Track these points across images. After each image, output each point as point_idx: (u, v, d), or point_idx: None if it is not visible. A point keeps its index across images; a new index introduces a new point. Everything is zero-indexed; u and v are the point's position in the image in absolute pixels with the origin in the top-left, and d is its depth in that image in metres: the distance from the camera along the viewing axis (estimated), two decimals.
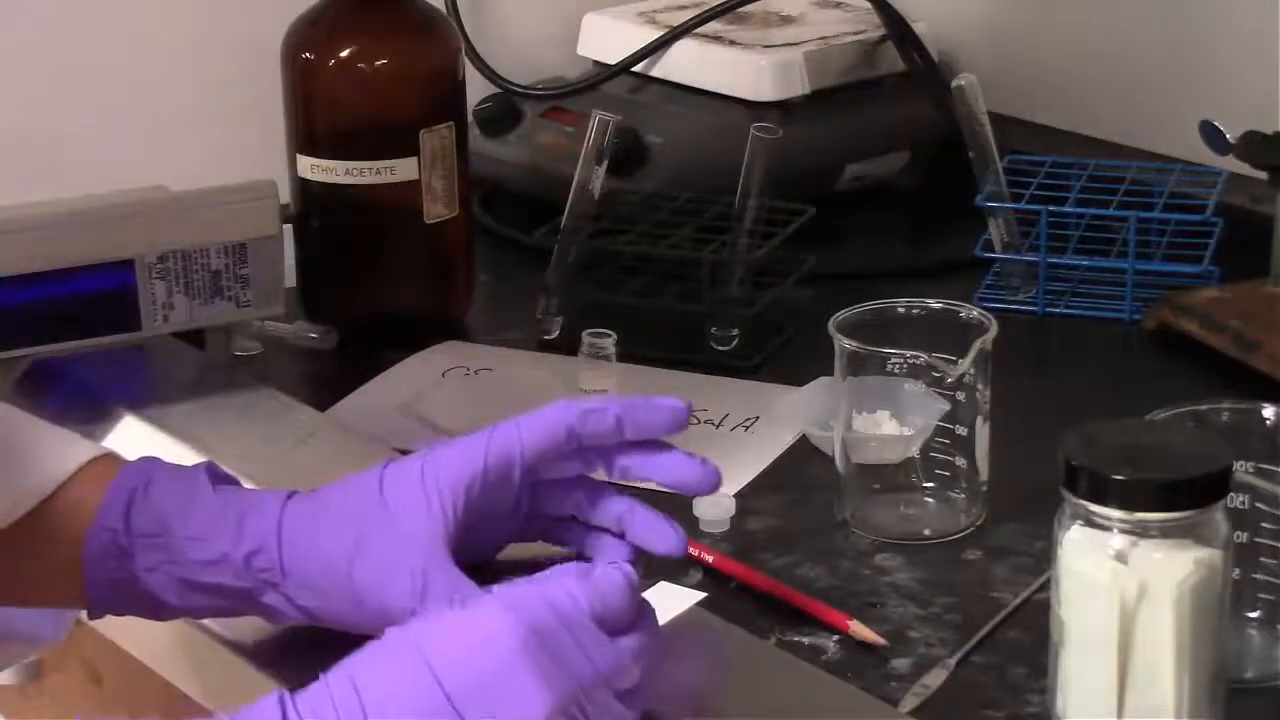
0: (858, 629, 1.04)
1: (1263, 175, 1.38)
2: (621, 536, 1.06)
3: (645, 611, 0.94)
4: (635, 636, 0.92)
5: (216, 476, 1.04)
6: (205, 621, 1.07)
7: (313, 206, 1.41)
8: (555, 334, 1.41)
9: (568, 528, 1.07)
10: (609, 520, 1.06)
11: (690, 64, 1.65)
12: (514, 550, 1.07)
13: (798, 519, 1.17)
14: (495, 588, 0.92)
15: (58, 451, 1.05)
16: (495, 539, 1.06)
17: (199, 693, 1.13)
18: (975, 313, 1.16)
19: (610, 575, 0.93)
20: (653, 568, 1.07)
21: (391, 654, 0.88)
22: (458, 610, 0.90)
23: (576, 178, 1.40)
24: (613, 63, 1.67)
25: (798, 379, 1.31)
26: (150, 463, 1.05)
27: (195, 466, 1.04)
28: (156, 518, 1.02)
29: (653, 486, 1.19)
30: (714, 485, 1.04)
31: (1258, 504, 0.99)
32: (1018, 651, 1.03)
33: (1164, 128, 1.61)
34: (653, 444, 1.03)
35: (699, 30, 1.65)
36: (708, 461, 1.03)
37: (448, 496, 1.00)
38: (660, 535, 1.04)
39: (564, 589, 0.91)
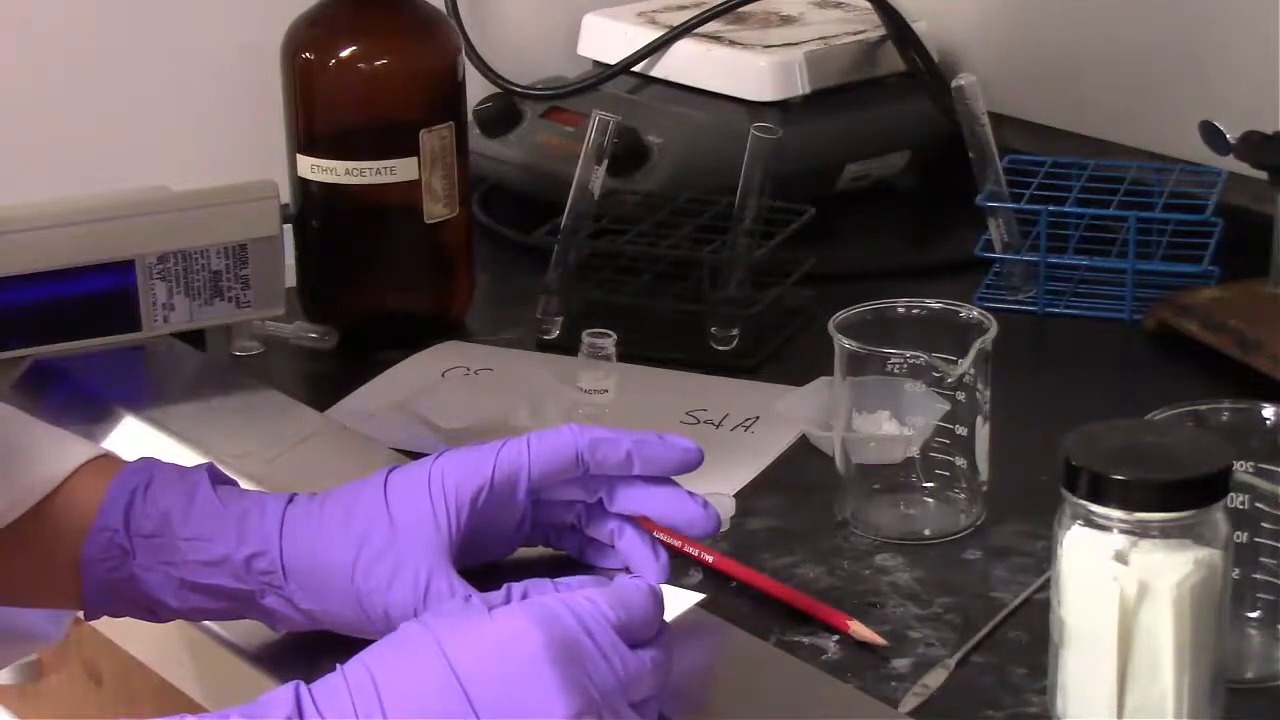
0: (858, 629, 1.04)
1: (1263, 175, 1.38)
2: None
3: (664, 624, 0.94)
4: (654, 649, 0.92)
5: (217, 478, 1.04)
6: (205, 622, 1.07)
7: (313, 206, 1.41)
8: (555, 334, 1.41)
9: (569, 536, 1.07)
10: (603, 535, 1.06)
11: (690, 64, 1.65)
12: (518, 551, 1.07)
13: (798, 519, 1.17)
14: (514, 587, 0.92)
15: (56, 451, 1.05)
16: (496, 551, 1.06)
17: (199, 693, 1.13)
18: (975, 313, 1.16)
19: (634, 585, 0.93)
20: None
21: (412, 651, 0.88)
22: (482, 613, 0.90)
23: (576, 178, 1.40)
24: (613, 63, 1.67)
25: (798, 379, 1.31)
26: (150, 463, 1.05)
27: (196, 467, 1.04)
28: (156, 518, 1.02)
29: None
30: (713, 529, 1.04)
31: (1258, 504, 0.99)
32: (1018, 651, 1.03)
33: (1164, 128, 1.61)
34: (657, 479, 1.04)
35: (699, 30, 1.65)
36: (710, 505, 1.03)
37: (452, 504, 1.00)
38: (642, 561, 1.05)
39: (587, 597, 0.91)
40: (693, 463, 1.03)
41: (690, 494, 1.03)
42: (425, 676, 0.87)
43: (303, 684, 0.87)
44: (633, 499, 1.04)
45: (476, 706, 0.86)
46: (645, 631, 0.92)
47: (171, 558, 1.01)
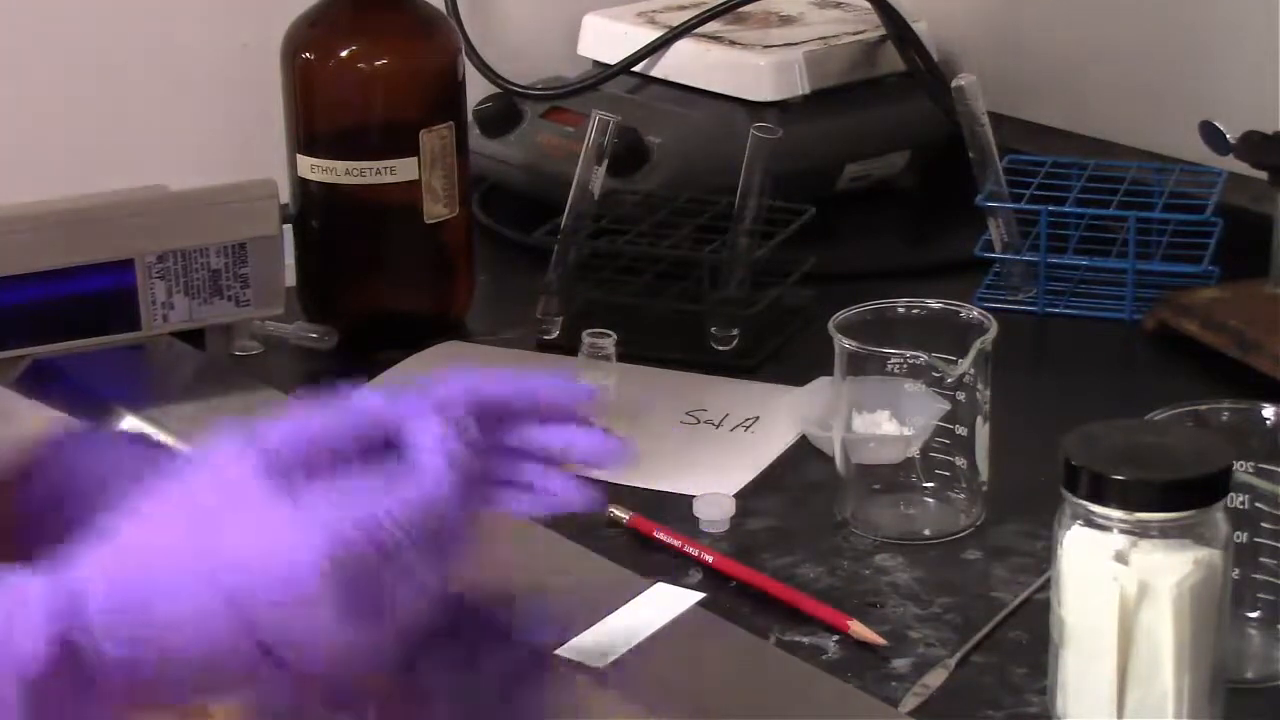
0: (858, 629, 1.04)
1: (1263, 175, 1.38)
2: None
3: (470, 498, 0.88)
4: (454, 546, 0.86)
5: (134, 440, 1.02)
6: None
7: (313, 206, 1.41)
8: (555, 334, 1.41)
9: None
10: (520, 479, 0.96)
11: (690, 64, 1.65)
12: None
13: (798, 519, 1.17)
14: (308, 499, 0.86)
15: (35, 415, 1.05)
16: None
17: None
18: (975, 313, 1.16)
19: (429, 475, 0.86)
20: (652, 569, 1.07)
21: (185, 573, 0.84)
22: (262, 531, 0.84)
23: (576, 178, 1.40)
24: (613, 63, 1.67)
25: (798, 379, 1.31)
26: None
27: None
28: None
29: (654, 486, 1.20)
30: (619, 457, 0.95)
31: (1258, 504, 0.99)
32: (1018, 651, 1.03)
33: (1164, 128, 1.61)
34: (558, 417, 0.95)
35: (699, 30, 1.65)
36: (613, 437, 0.95)
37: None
38: (567, 493, 0.95)
39: (384, 508, 0.84)
40: (581, 397, 0.95)
41: (595, 429, 0.94)
42: (197, 602, 0.83)
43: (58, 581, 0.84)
44: (537, 438, 0.95)
45: (256, 634, 0.83)
46: (446, 521, 0.85)
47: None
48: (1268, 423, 1.02)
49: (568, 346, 1.34)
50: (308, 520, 0.84)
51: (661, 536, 1.13)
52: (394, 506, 0.85)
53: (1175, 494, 0.91)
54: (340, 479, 0.86)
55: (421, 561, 0.85)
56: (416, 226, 1.40)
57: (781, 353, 1.39)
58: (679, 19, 1.67)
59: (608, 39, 1.70)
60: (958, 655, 1.03)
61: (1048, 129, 1.70)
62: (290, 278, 1.40)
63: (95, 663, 0.83)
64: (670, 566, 1.11)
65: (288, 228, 1.40)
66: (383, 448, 0.88)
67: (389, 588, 0.85)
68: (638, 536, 1.14)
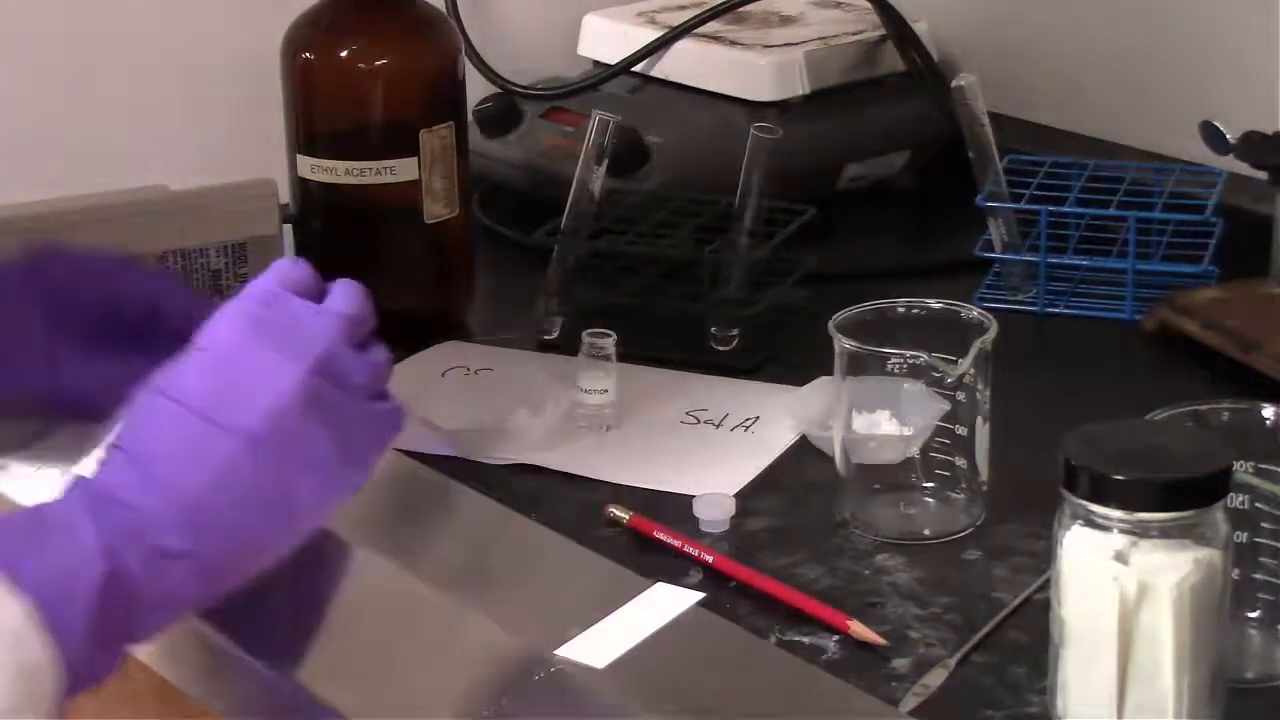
0: (858, 629, 1.04)
1: (1263, 175, 1.38)
2: None
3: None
4: (335, 293, 1.04)
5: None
6: (205, 621, 1.07)
7: (313, 206, 1.41)
8: (555, 334, 1.41)
9: None
10: None
11: (690, 64, 1.65)
12: None
13: (798, 519, 1.17)
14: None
15: None
16: None
17: (199, 693, 1.13)
18: (975, 313, 1.16)
19: (279, 261, 1.05)
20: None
21: (150, 414, 0.98)
22: (249, 367, 0.99)
23: (576, 178, 1.40)
24: (613, 63, 1.67)
25: (798, 379, 1.31)
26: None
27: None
28: None
29: (654, 486, 1.20)
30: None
31: (1258, 504, 0.99)
32: (1018, 651, 1.03)
33: (1164, 128, 1.61)
34: None
35: (699, 30, 1.65)
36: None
37: None
38: None
39: (251, 286, 1.02)
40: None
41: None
42: (164, 428, 0.97)
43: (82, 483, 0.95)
44: None
45: (219, 422, 0.96)
46: (312, 286, 1.04)
47: None
48: (1268, 423, 1.02)
49: (568, 346, 1.34)
50: (276, 353, 1.00)
51: (661, 536, 1.13)
52: (328, 326, 1.02)
53: (1175, 494, 0.91)
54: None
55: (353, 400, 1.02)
56: (416, 226, 1.40)
57: (781, 353, 1.39)
58: (679, 19, 1.67)
59: (608, 39, 1.70)
60: (958, 655, 1.03)
61: (1048, 129, 1.70)
62: None
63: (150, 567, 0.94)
64: (670, 566, 1.11)
65: (288, 228, 1.40)
66: None
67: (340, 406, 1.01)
68: (638, 536, 1.15)
